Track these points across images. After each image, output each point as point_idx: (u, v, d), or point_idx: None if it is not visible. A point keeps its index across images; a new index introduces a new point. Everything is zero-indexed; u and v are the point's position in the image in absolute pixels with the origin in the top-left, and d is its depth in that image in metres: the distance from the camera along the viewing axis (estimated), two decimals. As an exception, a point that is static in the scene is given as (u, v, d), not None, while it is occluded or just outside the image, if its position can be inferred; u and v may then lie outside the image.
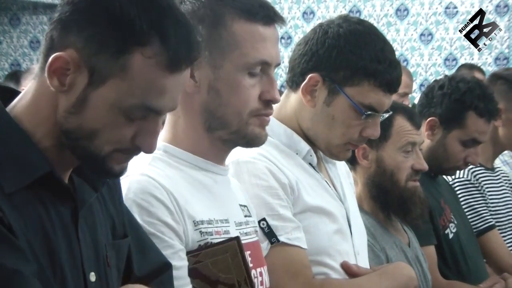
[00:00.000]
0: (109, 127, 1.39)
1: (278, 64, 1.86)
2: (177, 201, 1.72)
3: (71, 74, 1.38)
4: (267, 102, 1.82)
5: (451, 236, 3.08)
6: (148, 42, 1.37)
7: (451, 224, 3.10)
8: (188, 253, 1.72)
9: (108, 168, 1.43)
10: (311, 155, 2.18)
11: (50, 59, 1.38)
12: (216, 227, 1.77)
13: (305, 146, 2.17)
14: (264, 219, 2.01)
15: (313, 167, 2.19)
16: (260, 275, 1.85)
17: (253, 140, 1.84)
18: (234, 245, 1.74)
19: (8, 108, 1.45)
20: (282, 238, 2.01)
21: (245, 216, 1.89)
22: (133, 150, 1.44)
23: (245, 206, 1.93)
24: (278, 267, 2.01)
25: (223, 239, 1.75)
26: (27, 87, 1.47)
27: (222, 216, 1.80)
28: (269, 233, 2.01)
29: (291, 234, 2.03)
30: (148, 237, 1.65)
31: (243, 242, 1.80)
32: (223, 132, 1.81)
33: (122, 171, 1.46)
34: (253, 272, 1.81)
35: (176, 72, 1.40)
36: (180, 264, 1.69)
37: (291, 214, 2.05)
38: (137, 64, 1.37)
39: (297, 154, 2.16)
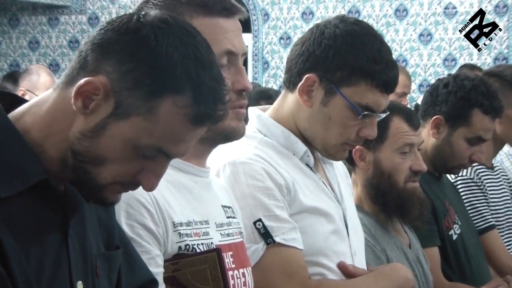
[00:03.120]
0: (118, 159, 1.39)
1: (244, 54, 1.85)
2: (158, 202, 1.71)
3: (97, 100, 1.38)
4: (239, 92, 1.81)
5: (455, 237, 3.08)
6: (182, 92, 1.37)
7: (455, 226, 3.09)
8: (167, 260, 1.71)
9: (103, 197, 1.43)
10: (308, 156, 2.17)
11: (82, 81, 1.38)
12: (195, 228, 1.76)
13: (302, 147, 2.16)
14: (260, 220, 2.01)
15: (310, 168, 2.19)
16: (243, 275, 1.84)
17: (231, 134, 1.83)
18: (213, 256, 1.74)
19: (14, 114, 1.44)
20: (278, 239, 2.01)
21: (228, 217, 1.89)
22: (133, 185, 1.44)
23: (229, 207, 1.92)
24: (274, 267, 2.01)
25: (204, 247, 1.75)
26: (44, 95, 1.46)
27: (201, 217, 1.79)
28: (265, 234, 2.01)
29: (287, 234, 2.03)
30: (136, 251, 1.65)
31: (224, 243, 1.80)
32: None
33: (114, 202, 1.47)
34: (235, 272, 1.81)
35: (199, 126, 1.41)
36: (155, 270, 1.67)
37: (287, 215, 2.05)
38: (165, 109, 1.37)
39: (294, 154, 2.16)
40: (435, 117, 3.13)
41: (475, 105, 3.07)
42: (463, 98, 3.09)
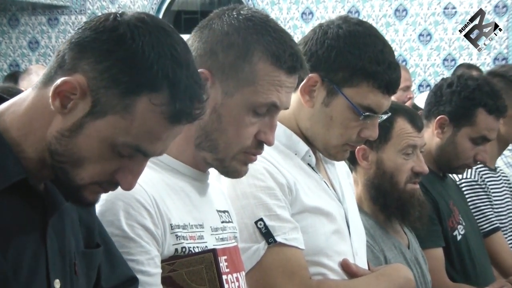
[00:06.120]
0: (95, 159, 1.39)
1: (286, 109, 1.87)
2: (157, 203, 1.72)
3: (75, 99, 1.38)
4: (260, 143, 1.82)
5: (459, 238, 3.08)
6: (158, 90, 1.38)
7: (459, 226, 3.09)
8: (163, 261, 1.72)
9: (82, 197, 1.44)
10: (309, 156, 2.17)
11: (59, 81, 1.38)
12: (191, 232, 1.77)
13: (304, 147, 2.17)
14: (261, 219, 2.01)
15: (312, 168, 2.19)
16: (237, 280, 1.84)
17: (232, 173, 1.85)
18: (209, 257, 1.75)
19: None
20: (279, 239, 2.01)
21: (223, 222, 1.89)
22: (111, 185, 1.44)
23: (224, 211, 1.93)
24: (275, 267, 2.01)
25: (199, 250, 1.76)
26: (23, 94, 1.46)
27: (197, 221, 1.80)
28: (266, 234, 2.01)
29: (288, 234, 2.03)
30: (117, 249, 1.65)
31: (218, 247, 1.80)
32: (208, 155, 1.82)
33: (94, 201, 1.47)
34: (229, 277, 1.81)
35: (176, 124, 1.42)
36: (154, 271, 1.69)
37: (288, 214, 2.05)
38: (142, 107, 1.38)
39: (295, 154, 2.16)
40: (439, 117, 3.12)
41: (479, 105, 3.07)
42: (467, 97, 3.09)
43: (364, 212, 2.64)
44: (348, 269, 2.15)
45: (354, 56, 2.09)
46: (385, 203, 2.68)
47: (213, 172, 1.94)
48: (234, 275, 1.84)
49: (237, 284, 1.84)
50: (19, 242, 1.39)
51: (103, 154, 1.39)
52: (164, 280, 1.71)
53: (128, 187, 1.44)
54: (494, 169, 3.60)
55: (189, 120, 1.43)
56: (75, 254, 1.52)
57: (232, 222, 1.94)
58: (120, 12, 1.43)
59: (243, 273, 1.90)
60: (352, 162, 2.70)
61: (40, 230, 1.43)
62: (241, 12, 1.84)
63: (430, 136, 3.11)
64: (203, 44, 1.82)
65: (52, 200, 1.46)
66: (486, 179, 3.46)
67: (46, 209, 1.44)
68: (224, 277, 1.79)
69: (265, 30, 1.81)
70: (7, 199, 1.38)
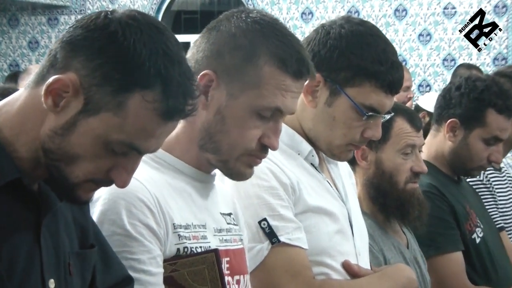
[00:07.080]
0: (89, 156, 1.40)
1: (291, 114, 1.87)
2: (159, 202, 1.72)
3: (67, 97, 1.38)
4: (265, 147, 1.81)
5: (478, 240, 3.07)
6: (151, 87, 1.38)
7: (477, 229, 3.08)
8: (165, 260, 1.72)
9: (76, 195, 1.44)
10: (312, 156, 2.18)
11: (51, 79, 1.39)
12: (193, 232, 1.77)
13: (307, 147, 2.17)
14: (265, 219, 2.01)
15: (315, 168, 2.19)
16: (237, 282, 1.84)
17: (236, 176, 1.84)
18: (212, 257, 1.75)
19: None
20: (282, 239, 2.02)
21: (228, 223, 1.89)
22: (106, 182, 1.44)
23: (228, 214, 1.92)
24: (279, 267, 2.02)
25: (202, 250, 1.76)
26: (15, 94, 1.47)
27: (199, 221, 1.80)
28: (270, 233, 2.01)
29: (292, 234, 2.03)
30: (112, 249, 1.65)
31: (221, 248, 1.80)
32: (212, 156, 1.81)
33: (88, 200, 1.48)
34: (229, 279, 1.81)
35: (169, 121, 1.42)
36: (156, 270, 1.69)
37: (292, 214, 2.05)
38: (134, 104, 1.38)
39: (299, 154, 2.16)
40: (450, 120, 3.11)
41: (489, 105, 3.06)
42: (476, 99, 3.08)
43: (363, 212, 2.64)
44: (350, 270, 2.15)
45: (357, 56, 2.09)
46: (385, 203, 2.68)
47: (216, 173, 1.94)
48: (235, 277, 1.84)
49: (236, 286, 1.84)
50: (13, 242, 1.39)
51: (97, 152, 1.40)
52: (166, 280, 1.71)
53: (123, 184, 1.45)
54: (499, 169, 3.60)
55: (182, 117, 1.44)
56: (69, 255, 1.52)
57: (237, 224, 1.94)
58: (111, 10, 1.43)
59: (247, 276, 1.90)
60: (352, 162, 2.69)
61: (34, 230, 1.43)
62: (250, 15, 1.84)
63: (442, 140, 3.11)
64: (210, 45, 1.82)
65: (46, 200, 1.46)
66: (492, 179, 3.46)
67: (40, 209, 1.45)
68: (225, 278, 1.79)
69: (272, 33, 1.81)
70: (1, 198, 1.38)
